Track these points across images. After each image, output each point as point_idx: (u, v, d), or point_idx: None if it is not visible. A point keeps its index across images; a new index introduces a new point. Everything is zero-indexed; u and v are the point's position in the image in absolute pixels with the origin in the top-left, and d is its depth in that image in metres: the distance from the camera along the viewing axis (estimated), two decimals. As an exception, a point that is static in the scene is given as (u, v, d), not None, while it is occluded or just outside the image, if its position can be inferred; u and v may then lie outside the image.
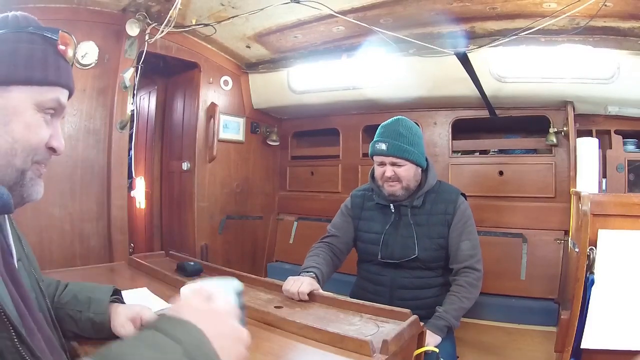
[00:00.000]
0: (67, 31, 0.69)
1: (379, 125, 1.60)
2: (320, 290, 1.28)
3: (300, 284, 1.25)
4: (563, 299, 1.92)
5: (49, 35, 0.66)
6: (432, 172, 1.61)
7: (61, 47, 0.67)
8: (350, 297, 1.71)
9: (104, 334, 0.87)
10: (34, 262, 0.76)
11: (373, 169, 1.64)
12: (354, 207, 1.69)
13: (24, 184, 0.64)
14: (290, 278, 1.30)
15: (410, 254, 1.52)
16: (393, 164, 1.52)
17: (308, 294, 1.23)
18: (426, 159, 1.61)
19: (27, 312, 0.59)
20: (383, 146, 1.52)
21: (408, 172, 1.53)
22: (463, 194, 1.63)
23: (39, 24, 0.67)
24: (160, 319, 0.49)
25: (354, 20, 1.97)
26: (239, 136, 2.94)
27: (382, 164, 1.55)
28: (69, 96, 0.70)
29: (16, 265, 0.66)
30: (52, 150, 0.67)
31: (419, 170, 1.58)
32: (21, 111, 0.62)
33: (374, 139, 1.58)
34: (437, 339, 1.37)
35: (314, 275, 1.38)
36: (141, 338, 0.46)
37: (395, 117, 1.60)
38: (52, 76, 0.65)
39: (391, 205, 1.58)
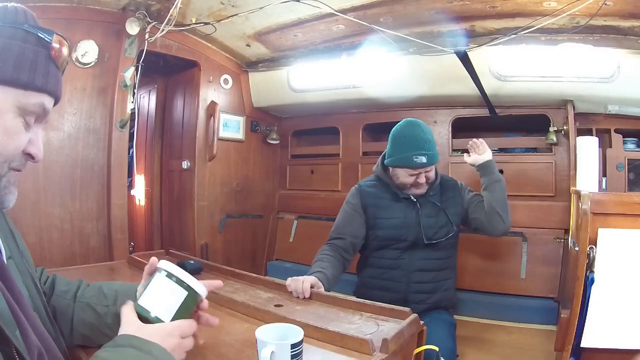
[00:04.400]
0: (63, 35, 0.64)
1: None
2: (321, 290, 1.28)
3: (302, 282, 1.24)
4: (563, 297, 1.92)
5: (43, 37, 0.62)
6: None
7: (54, 45, 0.63)
8: (356, 292, 1.73)
9: None
10: (29, 259, 0.74)
11: (380, 165, 1.72)
12: (367, 197, 1.71)
13: None
14: (293, 277, 1.29)
15: (448, 231, 1.64)
16: (426, 171, 1.62)
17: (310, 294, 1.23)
18: None
19: (19, 311, 0.57)
20: (424, 159, 1.58)
21: (433, 172, 1.68)
22: None
23: (36, 21, 0.63)
24: (135, 339, 0.62)
25: (354, 19, 1.96)
26: (239, 135, 2.94)
27: (417, 173, 1.62)
28: (55, 103, 0.66)
29: (5, 262, 0.64)
30: (30, 156, 0.63)
31: None
32: (1, 113, 0.58)
33: (408, 152, 1.60)
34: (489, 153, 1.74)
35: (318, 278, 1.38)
36: (123, 352, 0.60)
37: (408, 122, 1.67)
38: (39, 81, 0.61)
39: (411, 196, 1.68)
